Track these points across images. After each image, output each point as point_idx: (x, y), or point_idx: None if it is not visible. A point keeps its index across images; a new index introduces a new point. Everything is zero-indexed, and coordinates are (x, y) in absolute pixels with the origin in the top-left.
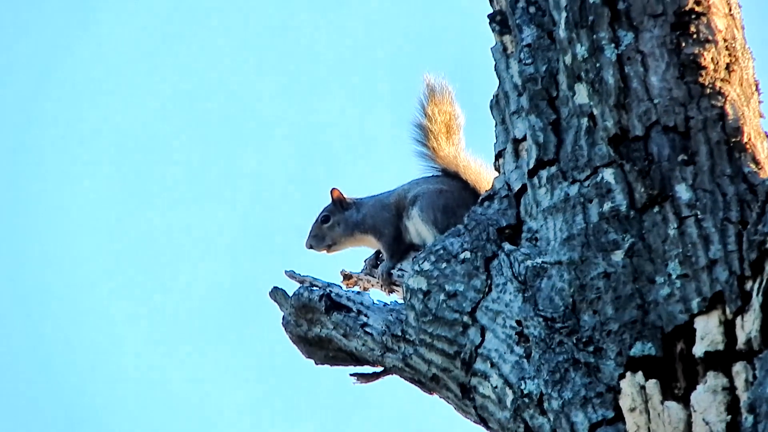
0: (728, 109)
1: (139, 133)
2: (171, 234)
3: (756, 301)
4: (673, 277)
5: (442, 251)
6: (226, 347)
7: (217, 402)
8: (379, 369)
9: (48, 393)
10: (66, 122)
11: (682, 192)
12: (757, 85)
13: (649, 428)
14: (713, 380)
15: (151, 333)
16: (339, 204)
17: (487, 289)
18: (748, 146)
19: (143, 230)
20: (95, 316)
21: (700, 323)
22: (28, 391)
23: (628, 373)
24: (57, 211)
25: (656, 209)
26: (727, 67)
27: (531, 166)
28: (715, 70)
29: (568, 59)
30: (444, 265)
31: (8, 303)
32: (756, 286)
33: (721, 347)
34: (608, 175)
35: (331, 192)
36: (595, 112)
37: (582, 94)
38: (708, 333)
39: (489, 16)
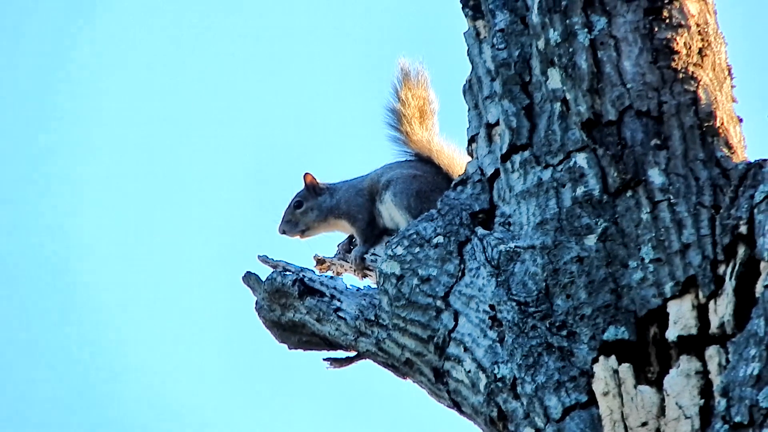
0: (701, 93)
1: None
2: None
3: (729, 285)
4: (646, 261)
5: (415, 236)
6: (201, 331)
7: (189, 389)
8: (353, 354)
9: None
10: (66, 122)
11: (655, 176)
12: (729, 70)
13: (622, 412)
14: (686, 364)
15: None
16: (312, 189)
17: (460, 274)
18: (720, 131)
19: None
20: (96, 312)
21: (673, 307)
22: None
23: (602, 357)
24: (60, 211)
25: (629, 194)
26: (700, 51)
27: (504, 150)
28: (687, 55)
29: (541, 44)
30: (417, 249)
31: (12, 303)
32: (729, 270)
33: (694, 331)
34: (581, 159)
35: (304, 177)
36: (569, 96)
37: (555, 79)
38: (681, 317)
39: (462, 0)
